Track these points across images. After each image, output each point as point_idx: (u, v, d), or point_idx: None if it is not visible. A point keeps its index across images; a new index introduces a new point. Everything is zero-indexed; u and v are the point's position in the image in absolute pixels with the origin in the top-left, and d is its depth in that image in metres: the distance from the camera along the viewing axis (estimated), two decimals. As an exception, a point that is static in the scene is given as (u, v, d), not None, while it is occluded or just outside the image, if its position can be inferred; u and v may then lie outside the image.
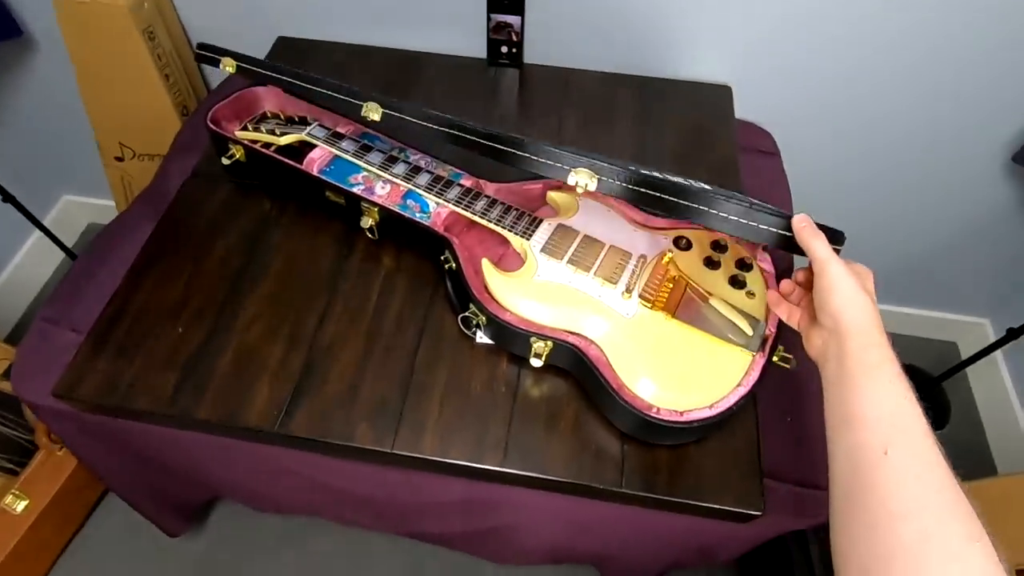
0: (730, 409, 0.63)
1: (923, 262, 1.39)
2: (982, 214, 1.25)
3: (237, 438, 0.73)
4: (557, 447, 0.68)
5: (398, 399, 0.71)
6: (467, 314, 0.72)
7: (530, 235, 0.74)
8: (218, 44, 0.85)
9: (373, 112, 0.73)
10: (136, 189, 1.24)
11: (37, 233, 1.49)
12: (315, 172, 0.81)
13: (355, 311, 0.78)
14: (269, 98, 0.92)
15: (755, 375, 0.65)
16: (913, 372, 1.53)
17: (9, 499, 1.14)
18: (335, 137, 0.82)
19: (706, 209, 0.60)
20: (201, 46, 0.86)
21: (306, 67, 0.81)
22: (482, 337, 0.74)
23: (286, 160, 0.82)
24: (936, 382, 1.43)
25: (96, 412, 0.74)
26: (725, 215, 0.60)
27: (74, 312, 0.83)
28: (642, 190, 0.61)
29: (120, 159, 1.19)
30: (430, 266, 0.81)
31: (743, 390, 0.64)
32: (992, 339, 1.51)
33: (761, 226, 0.59)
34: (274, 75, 0.80)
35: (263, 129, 0.85)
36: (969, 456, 1.44)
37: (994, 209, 1.23)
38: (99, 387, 0.71)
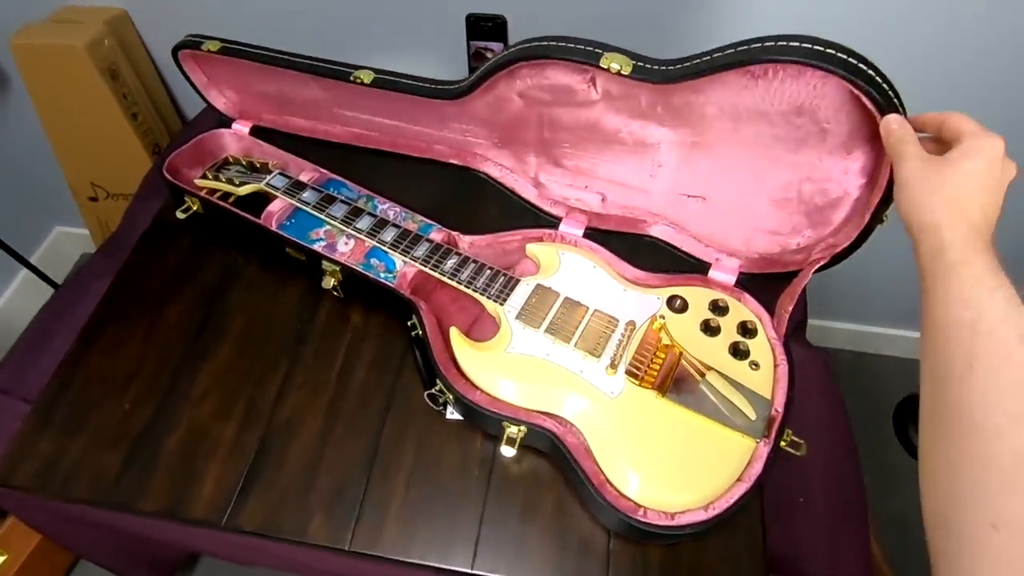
0: (728, 511, 0.55)
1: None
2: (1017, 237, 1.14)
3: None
4: (535, 542, 0.61)
5: (358, 485, 0.64)
6: (434, 391, 0.64)
7: (504, 299, 0.66)
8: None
9: (364, 76, 0.67)
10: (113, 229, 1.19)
11: (25, 270, 1.46)
12: (274, 227, 0.75)
13: (317, 382, 0.71)
14: (232, 142, 0.86)
15: (759, 467, 0.57)
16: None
17: (-13, 555, 1.10)
18: (295, 187, 0.76)
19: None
20: (178, 46, 0.79)
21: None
22: (453, 412, 0.67)
23: (243, 214, 0.75)
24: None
25: (37, 497, 0.69)
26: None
27: (26, 379, 0.77)
28: (680, 66, 0.53)
29: (94, 199, 1.14)
30: (401, 328, 0.74)
31: (744, 486, 0.56)
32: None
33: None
34: (257, 51, 0.74)
35: (223, 178, 0.79)
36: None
37: None
38: (38, 471, 0.66)
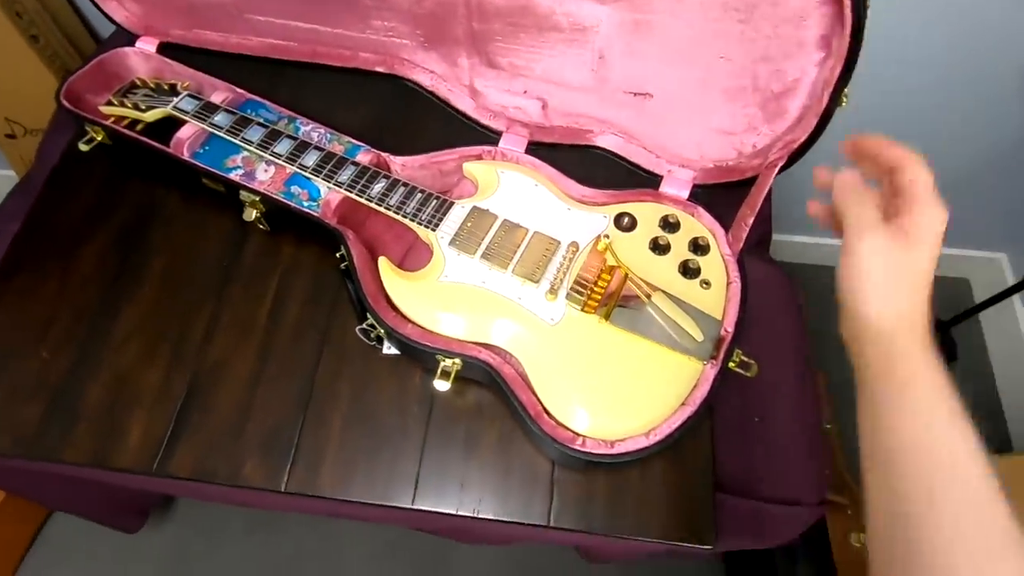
0: (671, 436, 0.52)
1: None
2: (997, 141, 1.08)
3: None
4: (477, 476, 0.59)
5: (293, 427, 0.61)
6: (364, 326, 0.60)
7: (437, 224, 0.61)
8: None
9: None
10: (40, 168, 1.11)
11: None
12: (185, 155, 0.68)
13: (246, 321, 0.66)
14: (139, 63, 0.77)
15: (704, 390, 0.54)
16: (919, 317, 1.40)
17: (-42, 504, 1.10)
18: (206, 110, 0.68)
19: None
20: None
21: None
22: (390, 347, 0.63)
23: (149, 142, 0.68)
24: (946, 327, 1.31)
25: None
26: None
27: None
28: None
29: (11, 136, 1.05)
30: (335, 261, 0.69)
31: (689, 410, 0.53)
32: (1008, 274, 1.38)
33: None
34: None
35: (128, 103, 0.71)
36: (976, 402, 1.33)
37: (1013, 133, 1.06)
38: (-45, 429, 0.62)
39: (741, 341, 0.56)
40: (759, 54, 0.48)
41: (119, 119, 0.72)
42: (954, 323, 1.29)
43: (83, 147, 0.71)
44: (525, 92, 0.63)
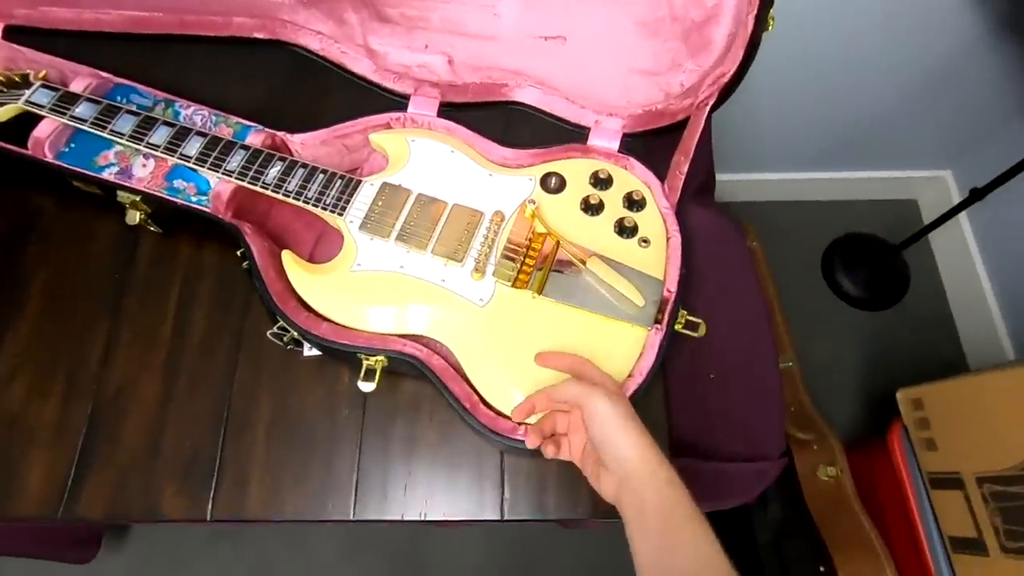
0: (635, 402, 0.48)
1: (875, 120, 1.21)
2: (937, 56, 1.05)
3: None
4: (421, 477, 0.54)
5: (212, 447, 0.55)
6: (276, 329, 0.54)
7: (344, 207, 0.54)
8: None
9: None
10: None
11: None
12: (48, 156, 0.59)
13: (148, 337, 0.59)
14: (-19, 51, 0.67)
15: (651, 358, 0.50)
16: (871, 242, 1.40)
17: None
18: (65, 101, 0.59)
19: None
20: None
21: None
22: (310, 349, 0.57)
23: (4, 145, 0.59)
24: (896, 250, 1.31)
25: None
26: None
27: None
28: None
29: None
30: (239, 259, 0.62)
31: (636, 381, 0.49)
32: (954, 191, 1.38)
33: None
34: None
35: (-27, 101, 0.61)
36: (931, 324, 1.36)
37: (949, 49, 1.03)
38: None
39: (687, 300, 0.52)
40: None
41: (-32, 121, 0.62)
42: (904, 246, 1.29)
43: (-74, 158, 0.61)
44: (426, 47, 0.55)
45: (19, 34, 0.66)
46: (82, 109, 0.59)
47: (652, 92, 0.54)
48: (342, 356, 0.54)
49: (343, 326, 0.52)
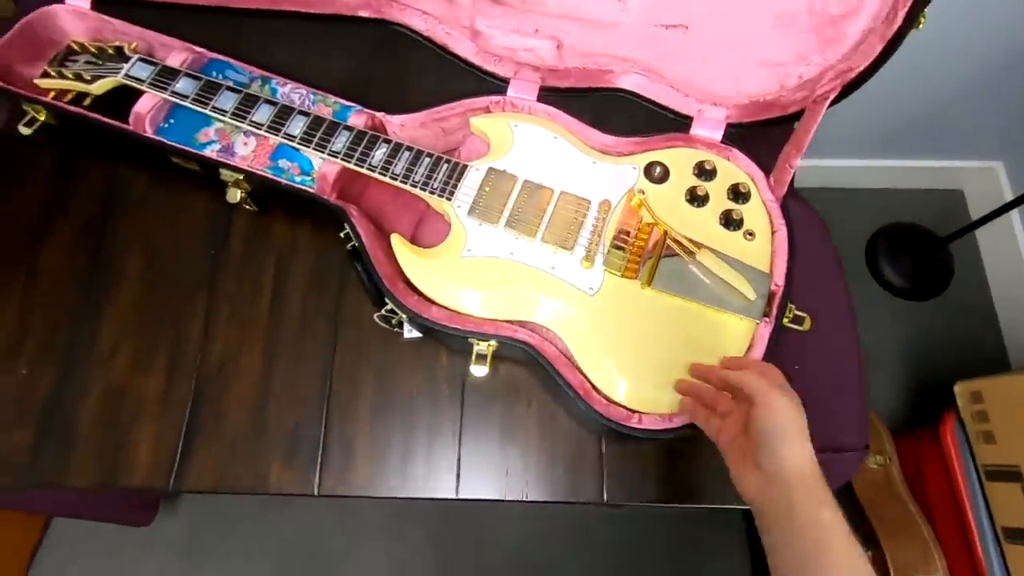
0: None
1: (934, 108, 1.20)
2: (999, 46, 1.03)
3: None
4: (520, 459, 0.56)
5: (316, 423, 0.56)
6: (384, 312, 0.55)
7: (452, 192, 0.54)
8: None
9: None
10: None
11: None
12: (148, 132, 0.59)
13: (246, 313, 0.60)
14: (72, 23, 0.66)
15: (760, 350, 0.51)
16: (917, 232, 1.39)
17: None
18: (165, 76, 0.59)
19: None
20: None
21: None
22: (411, 330, 0.58)
23: (104, 120, 0.59)
24: (942, 243, 1.30)
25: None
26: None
27: None
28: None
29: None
30: (333, 238, 0.62)
31: (746, 374, 0.50)
32: (1004, 182, 1.37)
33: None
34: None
35: (69, 73, 0.61)
36: (973, 317, 1.36)
37: (1006, 43, 1.01)
38: (-64, 463, 0.56)
39: (792, 293, 0.53)
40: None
41: (60, 93, 0.62)
42: (951, 239, 1.28)
43: (24, 130, 0.61)
44: (536, 31, 0.55)
45: (107, 5, 0.66)
46: (182, 84, 0.58)
47: (767, 83, 0.53)
48: (449, 340, 0.54)
49: (454, 311, 0.52)
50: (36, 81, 0.62)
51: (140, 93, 0.59)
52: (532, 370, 0.57)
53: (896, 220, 1.42)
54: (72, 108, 0.59)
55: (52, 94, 0.62)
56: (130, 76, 0.59)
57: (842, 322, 0.64)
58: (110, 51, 0.62)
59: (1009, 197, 1.33)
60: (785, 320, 0.52)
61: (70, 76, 0.61)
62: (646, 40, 0.52)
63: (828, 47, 0.47)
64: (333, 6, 0.59)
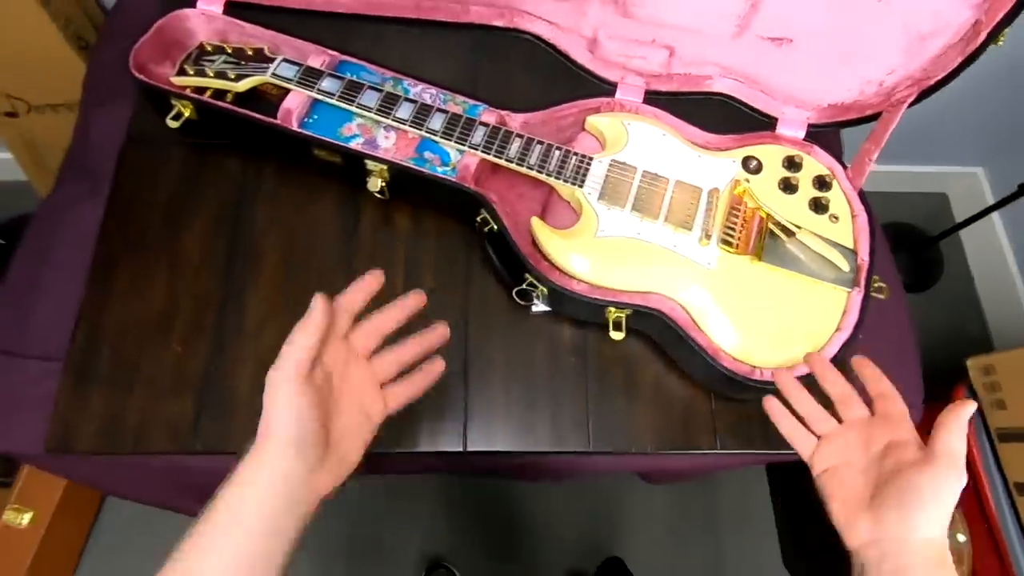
0: (835, 358, 0.58)
1: (916, 118, 1.33)
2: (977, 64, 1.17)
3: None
4: (643, 418, 0.63)
5: (459, 390, 0.62)
6: (524, 287, 0.61)
7: (582, 180, 0.62)
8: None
9: None
10: (45, 148, 1.00)
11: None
12: (295, 126, 0.64)
13: (383, 294, 0.66)
14: (201, 26, 0.71)
15: (854, 315, 0.59)
16: (911, 231, 1.53)
17: (9, 515, 1.04)
18: (310, 76, 0.64)
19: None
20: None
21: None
22: (539, 305, 0.65)
23: (258, 116, 0.64)
24: (933, 240, 1.44)
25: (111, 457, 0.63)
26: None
27: (28, 334, 0.67)
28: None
29: (13, 114, 0.94)
30: (455, 224, 0.68)
31: (845, 334, 0.59)
32: (985, 186, 1.52)
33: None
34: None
35: (209, 71, 0.66)
36: (961, 306, 1.50)
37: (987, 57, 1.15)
38: (102, 431, 0.60)
39: (874, 268, 0.62)
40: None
41: (197, 89, 0.67)
42: (941, 237, 1.42)
43: (172, 123, 0.65)
44: (653, 41, 0.63)
45: (236, 9, 0.71)
46: (327, 84, 0.64)
47: (851, 91, 0.62)
48: (584, 310, 0.61)
49: (594, 284, 0.59)
50: (172, 79, 0.67)
51: (278, 92, 0.65)
52: (643, 341, 0.65)
53: (891, 220, 1.56)
54: (224, 105, 0.64)
55: (189, 90, 0.67)
56: (277, 75, 0.64)
57: (896, 290, 0.74)
58: (249, 52, 0.67)
59: (990, 199, 1.49)
60: (872, 291, 0.61)
61: (211, 74, 0.66)
62: (751, 51, 0.61)
63: (911, 60, 0.57)
64: (467, 15, 0.66)
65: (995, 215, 1.48)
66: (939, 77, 0.56)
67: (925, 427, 0.44)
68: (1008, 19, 0.48)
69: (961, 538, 0.99)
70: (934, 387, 1.07)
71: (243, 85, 0.65)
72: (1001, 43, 0.51)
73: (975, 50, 0.52)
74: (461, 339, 0.65)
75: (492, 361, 0.64)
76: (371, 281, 0.45)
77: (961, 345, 1.49)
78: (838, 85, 0.62)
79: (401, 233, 0.69)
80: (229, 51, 0.68)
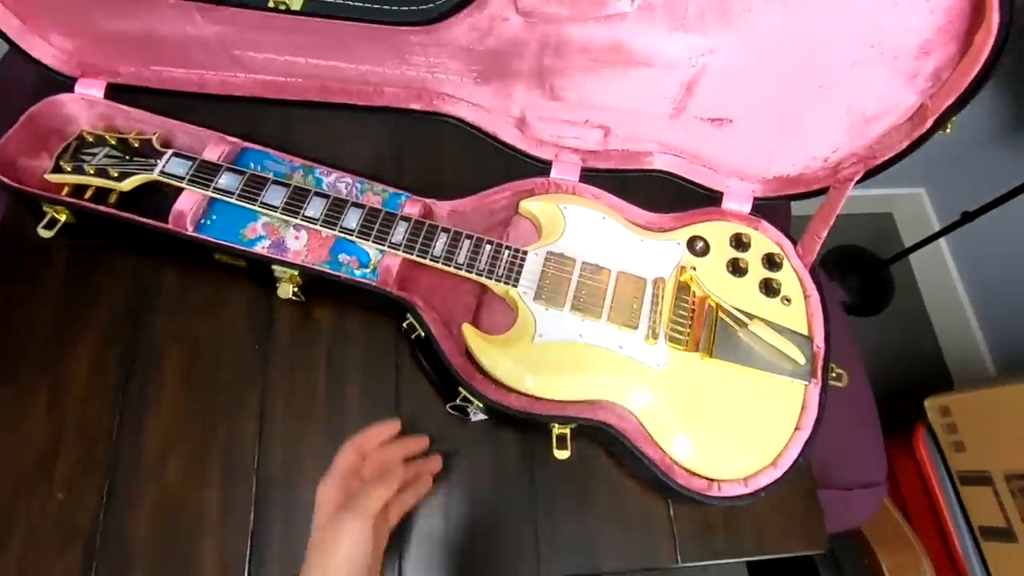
0: (796, 462, 0.54)
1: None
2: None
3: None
4: (598, 534, 0.57)
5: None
6: (458, 403, 0.55)
7: (516, 278, 0.56)
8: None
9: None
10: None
11: None
12: (190, 230, 0.57)
13: (303, 408, 0.59)
14: (81, 112, 0.63)
15: (813, 411, 0.55)
16: (860, 255, 1.54)
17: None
18: (205, 172, 0.57)
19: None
20: None
21: None
22: (477, 413, 0.59)
23: (145, 221, 0.56)
24: (884, 264, 1.45)
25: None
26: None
27: None
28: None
29: None
30: (384, 320, 0.62)
31: (805, 434, 0.55)
32: (928, 206, 1.54)
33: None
34: None
35: (88, 168, 0.58)
36: (912, 327, 1.51)
37: None
38: (-31, 606, 0.51)
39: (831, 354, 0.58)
40: (865, 83, 0.47)
41: (76, 189, 0.59)
42: (892, 261, 1.43)
43: (45, 233, 0.57)
44: (586, 122, 0.58)
45: (122, 92, 0.63)
46: (226, 180, 0.57)
47: (795, 165, 0.59)
48: (524, 425, 0.56)
49: (533, 396, 0.54)
50: (48, 177, 0.59)
51: (172, 190, 0.57)
52: (594, 445, 0.60)
53: (839, 243, 1.57)
54: (104, 209, 0.56)
55: (66, 190, 0.59)
56: (166, 173, 0.57)
57: (853, 361, 0.71)
58: (134, 143, 0.59)
59: (932, 218, 1.51)
60: (830, 379, 0.57)
61: (91, 172, 0.58)
62: (691, 130, 0.57)
63: (855, 139, 0.53)
64: (381, 98, 0.60)
65: (941, 241, 1.50)
66: (886, 157, 0.52)
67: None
68: (955, 108, 0.45)
69: (930, 584, 0.98)
70: (891, 420, 1.07)
71: (127, 184, 0.57)
72: (948, 131, 0.47)
73: (922, 135, 0.49)
74: (395, 452, 0.58)
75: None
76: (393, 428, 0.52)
77: (914, 365, 1.51)
78: (782, 160, 0.59)
79: (322, 332, 0.62)
80: (112, 142, 0.60)
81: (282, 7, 0.46)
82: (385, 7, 0.46)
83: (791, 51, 0.45)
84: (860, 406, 0.71)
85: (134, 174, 0.57)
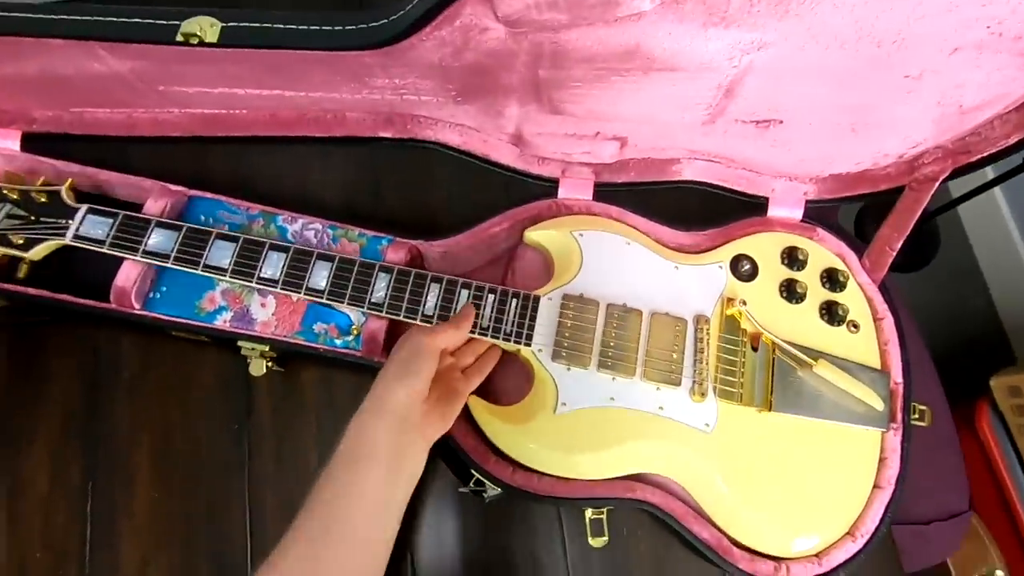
0: (879, 529, 0.45)
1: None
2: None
3: None
4: (643, 612, 0.50)
5: (409, 614, 0.49)
6: (473, 486, 0.47)
7: (529, 335, 0.46)
8: None
9: (204, 29, 0.37)
10: None
11: None
12: (136, 308, 0.48)
13: (297, 494, 0.51)
14: (-2, 167, 0.53)
15: (895, 464, 0.46)
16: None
17: None
18: (131, 229, 0.47)
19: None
20: None
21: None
22: (493, 488, 0.50)
23: (79, 302, 0.47)
24: (929, 216, 1.32)
25: None
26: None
27: None
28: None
29: None
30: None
31: (886, 493, 0.46)
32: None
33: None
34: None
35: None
36: (961, 283, 1.39)
37: None
38: None
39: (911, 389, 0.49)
40: (970, 70, 0.35)
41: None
42: (937, 213, 1.30)
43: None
44: (597, 134, 0.47)
45: (40, 142, 0.53)
46: (157, 240, 0.47)
47: (859, 163, 0.47)
48: (553, 510, 0.48)
49: (559, 477, 0.45)
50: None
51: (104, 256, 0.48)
52: (636, 513, 0.51)
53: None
54: (14, 288, 0.47)
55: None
56: (81, 237, 0.47)
57: (931, 380, 0.61)
58: (40, 198, 0.48)
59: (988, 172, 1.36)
60: (913, 419, 0.48)
61: (-7, 239, 0.48)
62: (727, 135, 0.45)
63: (943, 132, 0.42)
64: (342, 126, 0.49)
65: (996, 190, 1.36)
66: (985, 153, 0.41)
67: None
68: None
69: (1000, 574, 0.90)
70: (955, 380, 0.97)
71: (36, 253, 0.47)
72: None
73: (1042, 127, 0.37)
74: (404, 530, 0.50)
75: (443, 560, 0.50)
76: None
77: (964, 323, 1.40)
78: (843, 157, 0.47)
79: (308, 402, 0.53)
80: (14, 197, 0.49)
81: (194, 40, 0.35)
82: (325, 28, 0.35)
83: (871, 40, 0.33)
84: (940, 433, 0.61)
85: (42, 239, 0.47)
